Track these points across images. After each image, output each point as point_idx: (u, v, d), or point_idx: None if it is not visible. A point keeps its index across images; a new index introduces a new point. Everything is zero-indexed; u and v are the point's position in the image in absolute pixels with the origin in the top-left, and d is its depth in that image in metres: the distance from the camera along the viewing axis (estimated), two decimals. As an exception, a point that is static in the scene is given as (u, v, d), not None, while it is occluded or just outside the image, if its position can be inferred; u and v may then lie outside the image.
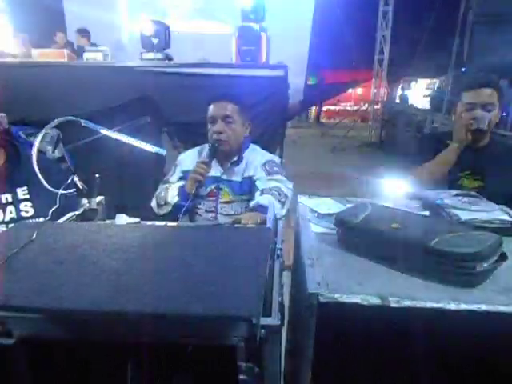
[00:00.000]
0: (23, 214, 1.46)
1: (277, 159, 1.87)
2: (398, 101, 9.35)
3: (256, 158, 1.82)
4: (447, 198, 1.28)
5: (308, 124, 12.85)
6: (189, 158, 1.85)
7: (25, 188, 1.46)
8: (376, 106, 10.09)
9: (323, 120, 13.83)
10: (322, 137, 10.32)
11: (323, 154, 8.15)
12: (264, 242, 0.92)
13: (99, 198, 1.29)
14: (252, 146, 1.89)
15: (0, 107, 1.51)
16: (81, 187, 1.24)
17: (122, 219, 1.23)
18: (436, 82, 8.57)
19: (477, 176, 1.76)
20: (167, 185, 1.77)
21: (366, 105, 10.69)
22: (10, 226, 1.38)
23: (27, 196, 1.47)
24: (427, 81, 9.09)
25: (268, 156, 1.85)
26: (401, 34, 9.01)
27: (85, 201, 1.25)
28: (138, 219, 1.26)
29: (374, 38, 9.50)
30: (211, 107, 1.76)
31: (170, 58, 3.12)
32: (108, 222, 1.27)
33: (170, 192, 1.71)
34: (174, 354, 0.74)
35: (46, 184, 1.28)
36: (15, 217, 1.45)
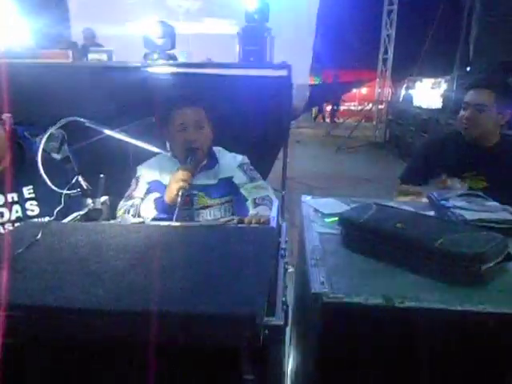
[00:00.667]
0: (29, 212, 1.47)
1: (247, 159, 1.82)
2: (401, 100, 9.31)
3: (225, 158, 1.77)
4: (452, 198, 1.27)
5: (312, 124, 12.83)
6: (151, 169, 1.73)
7: (30, 187, 1.47)
8: (380, 106, 10.06)
9: (327, 120, 13.81)
10: (325, 137, 10.30)
11: (327, 154, 8.14)
12: (268, 241, 0.92)
13: (103, 198, 1.30)
14: (217, 148, 1.82)
15: (5, 107, 1.52)
16: (85, 187, 1.25)
17: (127, 219, 1.24)
18: (441, 81, 8.52)
19: (481, 176, 1.75)
20: (131, 201, 1.63)
21: (370, 105, 10.66)
22: (16, 224, 1.39)
23: (33, 195, 1.48)
24: (432, 80, 9.04)
25: (238, 157, 1.80)
26: (405, 33, 8.98)
27: (89, 201, 1.25)
28: (141, 219, 1.26)
29: (379, 37, 9.47)
30: (177, 113, 1.66)
31: (174, 58, 3.13)
32: (112, 222, 1.28)
33: (144, 206, 1.59)
34: (178, 354, 0.74)
35: (50, 184, 1.29)
36: (21, 216, 1.46)
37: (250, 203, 1.62)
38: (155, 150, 1.50)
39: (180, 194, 1.46)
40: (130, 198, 1.66)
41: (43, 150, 1.24)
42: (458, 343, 0.72)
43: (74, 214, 1.22)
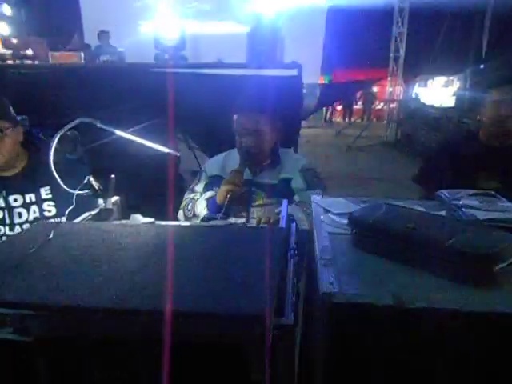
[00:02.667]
0: (46, 213, 1.50)
1: (312, 167, 1.79)
2: (413, 99, 9.22)
3: (289, 159, 1.76)
4: (464, 197, 1.25)
5: (322, 124, 12.77)
6: (215, 164, 1.78)
7: (47, 188, 1.50)
8: (391, 105, 9.97)
9: (338, 119, 13.74)
10: (336, 136, 10.25)
11: (337, 154, 8.10)
12: (277, 241, 0.92)
13: (114, 199, 1.31)
14: (283, 149, 1.82)
15: (20, 109, 1.54)
16: (97, 188, 1.26)
17: (137, 219, 1.25)
18: (453, 79, 8.42)
19: (494, 177, 1.72)
20: (193, 195, 1.70)
21: (381, 104, 10.57)
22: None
23: (50, 196, 1.51)
24: (444, 78, 8.94)
25: (301, 160, 1.78)
26: (417, 30, 8.89)
27: (100, 201, 1.27)
28: (152, 219, 1.27)
29: (390, 35, 9.39)
30: (239, 119, 1.67)
31: (184, 59, 3.15)
32: (123, 221, 1.29)
33: (199, 205, 1.64)
34: (188, 353, 0.74)
35: (62, 184, 1.31)
36: (39, 216, 1.49)
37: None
38: (165, 150, 1.51)
39: (228, 196, 1.48)
40: (192, 191, 1.71)
41: (58, 150, 1.26)
42: (470, 344, 0.71)
43: (86, 214, 1.24)
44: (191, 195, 1.70)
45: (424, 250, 0.86)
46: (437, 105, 7.84)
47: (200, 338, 0.69)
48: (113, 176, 1.27)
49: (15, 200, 1.47)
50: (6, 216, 1.45)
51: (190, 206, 1.64)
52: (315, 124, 11.85)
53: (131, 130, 1.50)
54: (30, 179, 1.49)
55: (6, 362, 0.73)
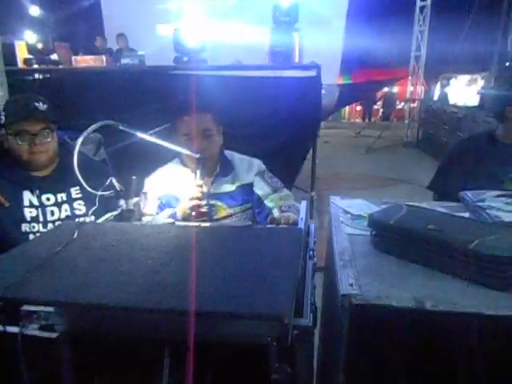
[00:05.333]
0: (77, 212, 1.56)
1: (263, 165, 1.68)
2: (435, 98, 9.02)
3: (241, 163, 1.65)
4: (489, 198, 1.23)
5: (341, 124, 12.67)
6: (161, 182, 1.60)
7: (77, 188, 1.56)
8: (413, 104, 9.79)
9: (357, 120, 13.60)
10: (356, 137, 10.14)
11: (357, 154, 8.01)
12: (296, 242, 0.92)
13: (135, 200, 1.33)
14: (229, 153, 1.69)
15: None
16: (119, 189, 1.29)
17: (158, 220, 1.27)
18: (477, 77, 8.21)
19: None
20: (143, 218, 1.49)
21: (402, 103, 10.41)
22: None
23: (80, 195, 1.57)
24: (468, 77, 8.73)
25: (254, 161, 1.68)
26: (439, 28, 8.71)
27: (122, 202, 1.29)
28: (172, 220, 1.29)
29: (411, 33, 9.23)
30: (183, 120, 1.53)
31: (204, 62, 3.18)
32: (144, 222, 1.31)
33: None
34: (207, 352, 0.75)
35: (86, 185, 1.34)
36: (70, 214, 1.55)
37: (275, 211, 1.52)
38: (185, 152, 1.53)
39: (194, 213, 1.38)
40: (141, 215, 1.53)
41: (82, 152, 1.30)
42: (492, 348, 0.70)
43: (108, 215, 1.27)
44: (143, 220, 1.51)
45: (446, 252, 0.84)
46: (460, 104, 7.65)
47: (220, 337, 0.69)
48: (134, 177, 1.29)
49: (48, 199, 1.54)
50: (40, 214, 1.51)
51: None
52: (334, 125, 11.76)
53: (153, 131, 1.52)
54: (60, 179, 1.56)
55: (33, 357, 0.75)
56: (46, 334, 0.73)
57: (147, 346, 0.74)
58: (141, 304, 0.68)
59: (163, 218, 1.35)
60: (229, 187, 1.59)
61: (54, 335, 0.73)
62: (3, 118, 1.50)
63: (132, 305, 0.68)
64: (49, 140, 1.51)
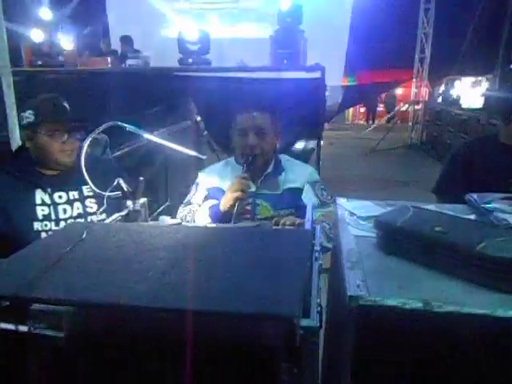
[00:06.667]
0: (89, 209, 1.59)
1: (317, 175, 1.73)
2: (439, 100, 9.00)
3: (293, 167, 1.69)
4: (495, 201, 1.23)
5: (345, 125, 12.66)
6: (213, 175, 1.69)
7: (88, 186, 1.58)
8: (417, 106, 9.78)
9: (361, 121, 13.59)
10: (359, 139, 10.13)
11: (361, 156, 8.00)
12: (303, 243, 0.92)
13: (142, 200, 1.34)
14: (284, 156, 1.76)
15: None
16: (126, 189, 1.30)
17: (165, 220, 1.28)
18: (482, 80, 8.20)
19: None
20: (190, 207, 1.61)
21: (406, 105, 10.39)
22: (78, 220, 1.53)
23: (91, 193, 1.59)
24: (472, 79, 8.71)
25: (307, 168, 1.72)
26: (443, 30, 8.69)
27: (129, 202, 1.30)
28: (179, 220, 1.30)
29: (415, 36, 9.22)
30: (241, 118, 1.62)
31: (208, 63, 3.19)
32: (151, 222, 1.32)
33: (199, 213, 1.56)
34: (215, 352, 0.76)
35: (92, 186, 1.36)
36: (82, 212, 1.58)
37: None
38: (192, 153, 1.54)
39: (237, 204, 1.41)
40: (188, 203, 1.62)
41: (90, 152, 1.31)
42: (499, 350, 0.70)
43: (115, 215, 1.28)
44: (188, 207, 1.60)
45: (453, 254, 0.84)
46: (464, 106, 7.63)
47: (227, 337, 0.70)
48: (141, 178, 1.30)
49: (60, 197, 1.56)
50: (52, 212, 1.53)
51: (188, 218, 1.55)
52: (338, 126, 11.75)
53: (159, 132, 1.53)
54: (72, 178, 1.58)
55: (43, 356, 0.76)
56: (56, 334, 0.74)
57: (156, 346, 0.74)
58: (151, 304, 0.69)
59: (169, 219, 1.36)
60: (276, 189, 1.61)
61: (61, 335, 0.74)
62: (29, 117, 1.50)
63: (142, 304, 0.69)
64: (78, 138, 1.55)
